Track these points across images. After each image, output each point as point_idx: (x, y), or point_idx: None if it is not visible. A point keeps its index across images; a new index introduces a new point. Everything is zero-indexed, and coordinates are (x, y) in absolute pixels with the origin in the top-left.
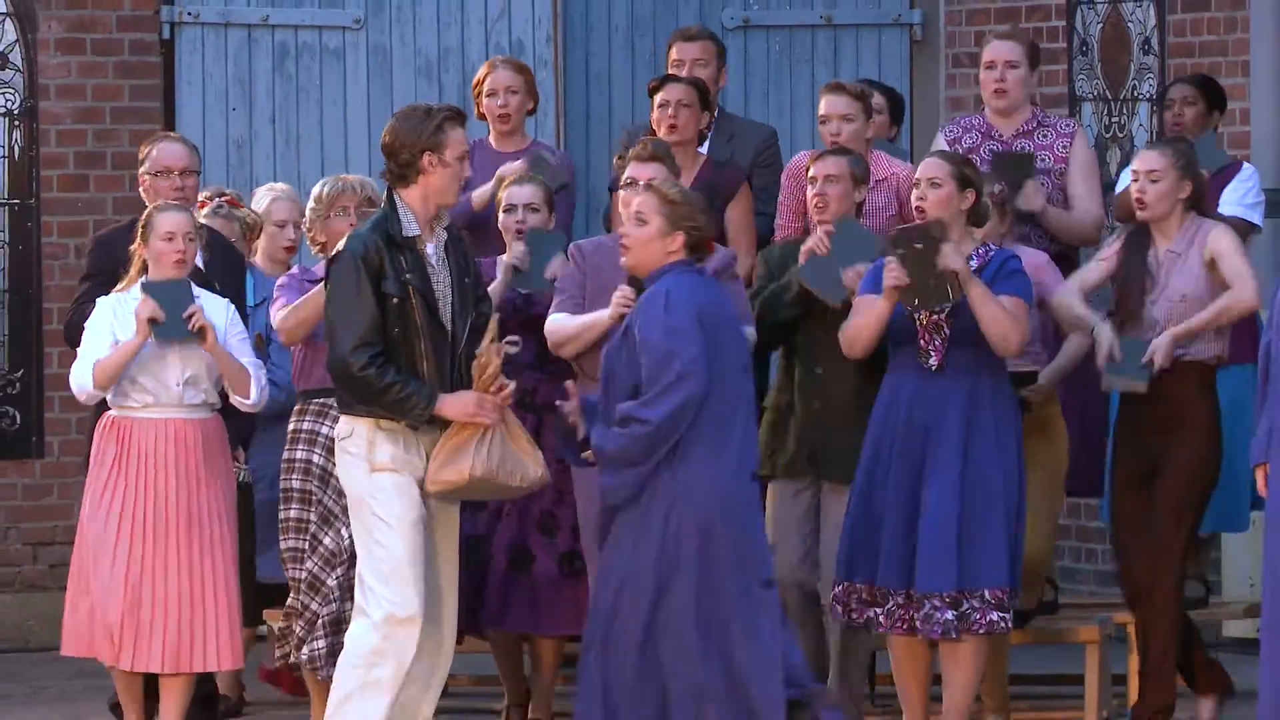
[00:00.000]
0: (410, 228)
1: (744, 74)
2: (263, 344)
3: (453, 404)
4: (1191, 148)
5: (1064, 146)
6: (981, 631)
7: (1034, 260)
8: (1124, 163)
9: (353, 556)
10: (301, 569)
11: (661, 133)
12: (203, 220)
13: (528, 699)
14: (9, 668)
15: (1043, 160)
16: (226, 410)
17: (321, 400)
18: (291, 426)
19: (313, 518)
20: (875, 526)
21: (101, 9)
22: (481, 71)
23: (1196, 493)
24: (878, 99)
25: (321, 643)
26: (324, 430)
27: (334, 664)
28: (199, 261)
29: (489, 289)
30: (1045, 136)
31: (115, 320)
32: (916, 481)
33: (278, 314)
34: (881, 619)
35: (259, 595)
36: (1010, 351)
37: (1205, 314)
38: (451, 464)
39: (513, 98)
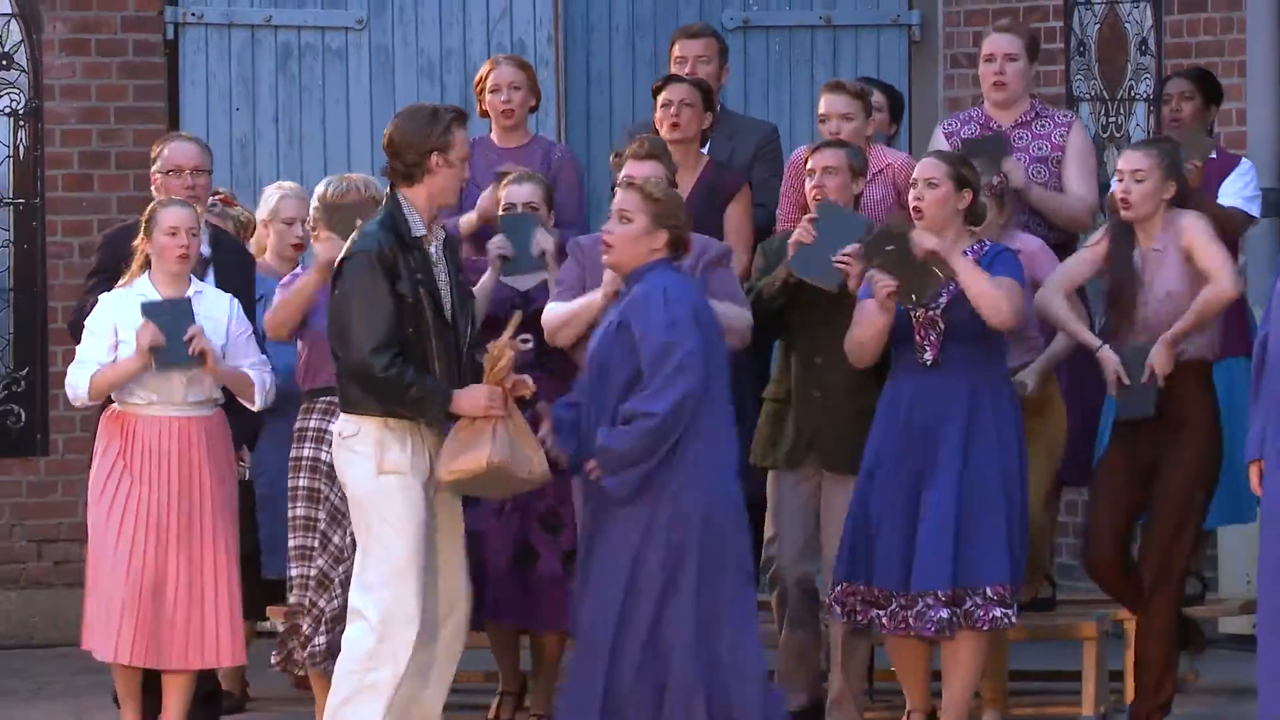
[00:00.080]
0: (417, 227)
1: (744, 74)
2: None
3: (466, 399)
4: (1176, 148)
5: (1061, 135)
6: (985, 628)
7: (1029, 246)
8: None
9: (353, 556)
10: (311, 566)
11: (664, 131)
12: (211, 218)
13: (522, 689)
14: (14, 663)
15: (1040, 149)
16: (231, 407)
17: (328, 399)
18: (298, 424)
19: (321, 515)
20: (876, 527)
21: (106, 10)
22: (484, 69)
23: (1200, 493)
24: (877, 97)
25: (322, 638)
26: (330, 427)
27: (334, 659)
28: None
29: (479, 285)
30: (1043, 126)
31: (117, 317)
32: (917, 482)
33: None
34: (884, 620)
35: (264, 591)
36: (1005, 322)
37: (1190, 314)
38: (467, 453)
39: (516, 94)
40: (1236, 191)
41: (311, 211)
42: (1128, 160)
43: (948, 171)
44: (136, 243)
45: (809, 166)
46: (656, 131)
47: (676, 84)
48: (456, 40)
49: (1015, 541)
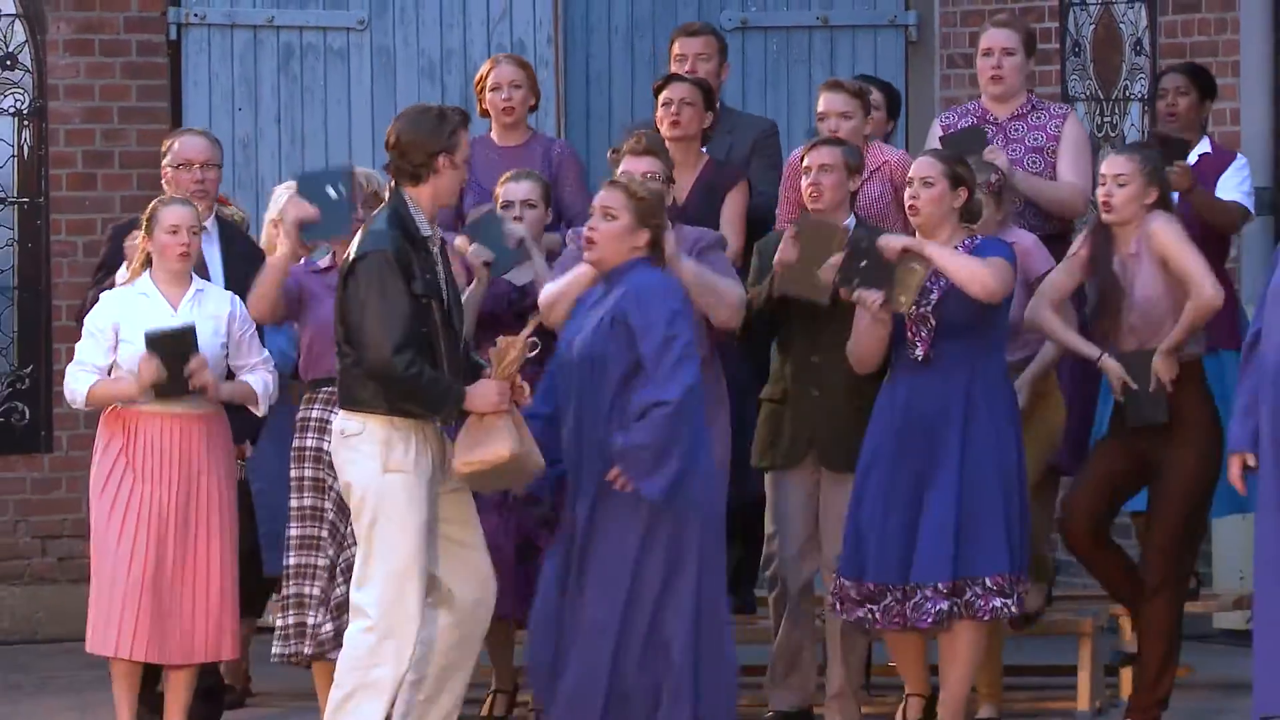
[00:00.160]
0: (424, 227)
1: (742, 74)
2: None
3: (479, 396)
4: (1159, 154)
5: (1056, 126)
6: (986, 618)
7: (1023, 243)
8: None
9: (353, 544)
10: (321, 555)
11: (665, 130)
12: (230, 212)
13: (516, 686)
14: (18, 659)
15: (1035, 139)
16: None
17: (330, 389)
18: (300, 415)
19: (329, 505)
20: (875, 525)
21: (109, 10)
22: (485, 68)
23: (1200, 492)
24: (875, 95)
25: (329, 625)
26: (333, 418)
27: (339, 646)
28: (215, 254)
29: (467, 296)
30: (1039, 118)
31: (118, 316)
32: (915, 478)
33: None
34: (877, 616)
35: (263, 588)
36: (993, 293)
37: (1180, 328)
38: (484, 445)
39: (516, 92)
40: (1235, 186)
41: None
42: (1110, 165)
43: (943, 170)
44: (138, 240)
45: (804, 164)
46: (657, 130)
47: (678, 83)
48: (457, 41)
49: (1015, 532)
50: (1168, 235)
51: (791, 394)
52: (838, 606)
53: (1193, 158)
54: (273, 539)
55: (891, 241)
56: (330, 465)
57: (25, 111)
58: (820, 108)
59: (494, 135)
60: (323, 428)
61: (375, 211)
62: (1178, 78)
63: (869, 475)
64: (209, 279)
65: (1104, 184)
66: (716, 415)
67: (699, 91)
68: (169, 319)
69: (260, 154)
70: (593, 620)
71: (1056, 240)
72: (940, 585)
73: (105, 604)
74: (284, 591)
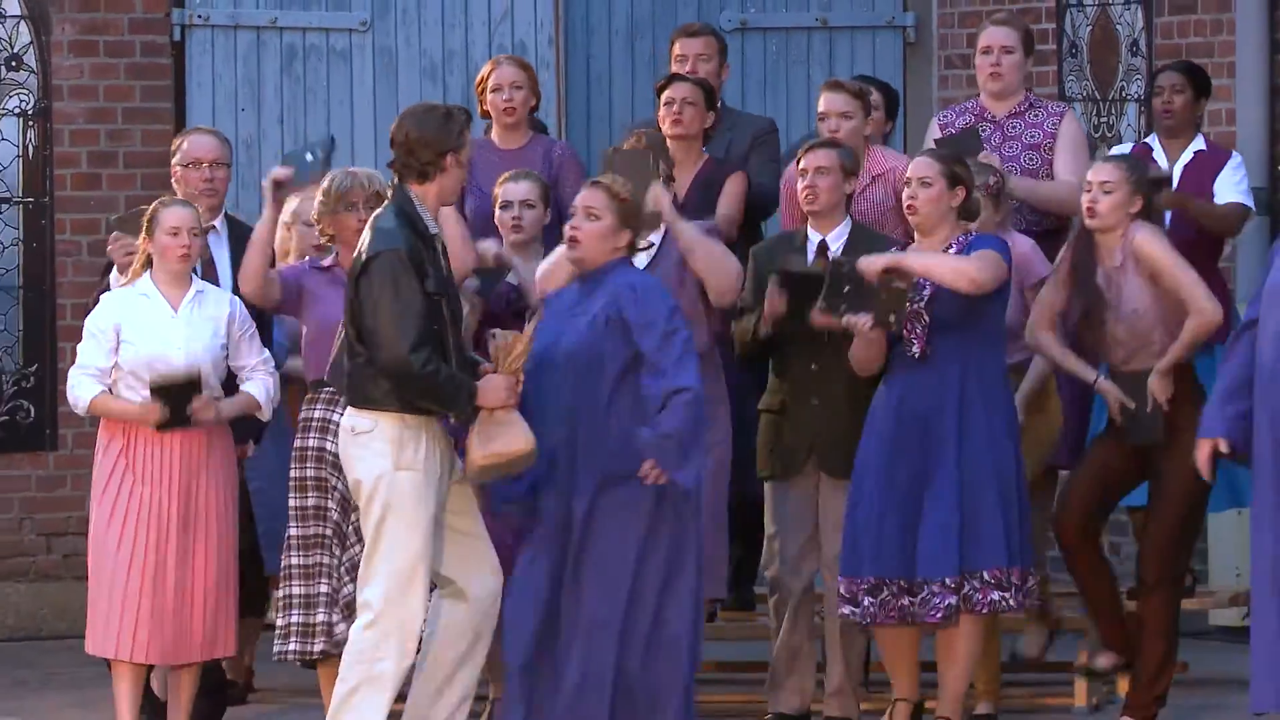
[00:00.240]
0: (432, 225)
1: (741, 75)
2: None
3: (489, 392)
4: (1145, 165)
5: (1054, 124)
6: (984, 611)
7: (1021, 248)
8: None
9: (357, 542)
10: (329, 554)
11: (666, 129)
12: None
13: None
14: (23, 655)
15: (1032, 136)
16: None
17: (331, 389)
18: (302, 414)
19: (333, 505)
20: (873, 520)
21: (114, 12)
22: (485, 69)
23: (1197, 492)
24: (874, 97)
25: (344, 625)
26: (335, 418)
27: None
28: (225, 255)
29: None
30: (1036, 116)
31: (120, 317)
32: (914, 474)
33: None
34: (876, 609)
35: (262, 587)
36: (981, 287)
37: (1178, 346)
38: (501, 438)
39: (517, 93)
40: (1233, 186)
41: (316, 205)
42: (1097, 172)
43: (941, 170)
44: (139, 242)
45: (800, 166)
46: (658, 129)
47: (680, 83)
48: (459, 42)
49: (1013, 525)
50: (1156, 249)
51: (791, 403)
52: (837, 604)
53: (1188, 155)
54: (272, 538)
55: (871, 264)
56: (333, 464)
57: (30, 112)
58: (821, 108)
59: (495, 137)
60: (324, 427)
61: (379, 210)
62: (1174, 76)
63: (867, 471)
64: (218, 279)
65: (1089, 190)
66: (716, 413)
67: (701, 91)
68: (173, 348)
69: (264, 154)
70: (594, 617)
71: (1055, 235)
72: (948, 580)
73: (104, 606)
74: (285, 590)
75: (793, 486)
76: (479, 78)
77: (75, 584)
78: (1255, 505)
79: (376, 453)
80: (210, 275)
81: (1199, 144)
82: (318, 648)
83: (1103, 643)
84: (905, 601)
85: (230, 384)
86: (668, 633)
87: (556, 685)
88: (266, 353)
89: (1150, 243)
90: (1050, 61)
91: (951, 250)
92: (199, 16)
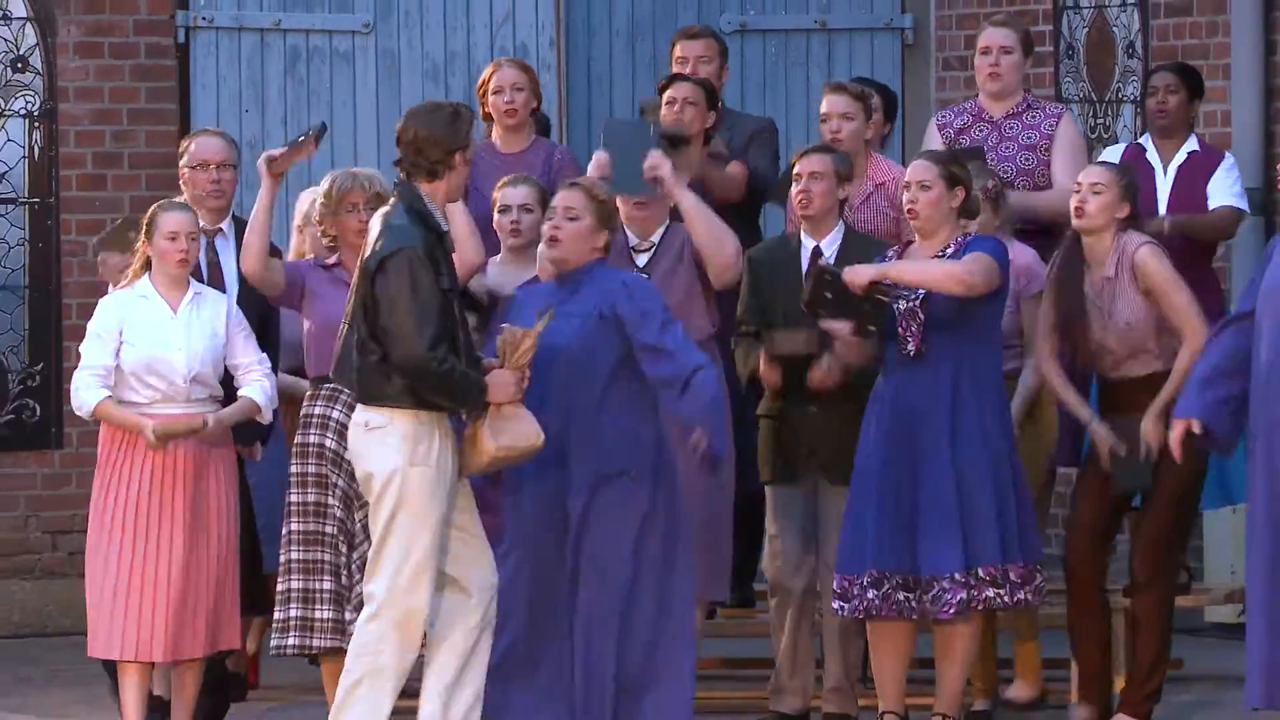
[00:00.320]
0: (442, 223)
1: (740, 77)
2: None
3: (499, 387)
4: (1133, 174)
5: (1051, 126)
6: (979, 608)
7: (1022, 259)
8: None
9: (366, 539)
10: (330, 551)
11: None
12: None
13: None
14: (29, 652)
15: (1029, 138)
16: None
17: (332, 386)
18: (303, 411)
19: (334, 502)
20: (872, 515)
21: (119, 14)
22: (487, 71)
23: (1189, 487)
24: (874, 100)
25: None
26: (335, 415)
27: None
28: (231, 256)
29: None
30: (1034, 118)
31: (122, 316)
32: (909, 469)
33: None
34: (877, 601)
35: (266, 583)
36: (973, 289)
37: (1173, 379)
38: (513, 431)
39: (518, 95)
40: (1227, 188)
41: (318, 206)
42: (1087, 174)
43: (939, 172)
44: (138, 245)
45: (795, 171)
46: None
47: (681, 83)
48: (460, 44)
49: (1009, 521)
50: (1157, 270)
51: (789, 410)
52: (836, 601)
53: (1181, 156)
54: (272, 533)
55: (857, 275)
56: (333, 461)
57: (36, 113)
58: (823, 109)
59: (496, 140)
60: (324, 424)
61: (383, 210)
62: (1168, 76)
63: (865, 468)
64: (224, 281)
65: (1078, 190)
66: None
67: (702, 91)
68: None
69: (256, 163)
70: (594, 615)
71: (1046, 236)
72: (956, 575)
73: (106, 608)
74: (284, 584)
75: (792, 497)
76: (480, 80)
77: (80, 581)
78: (1251, 504)
79: (391, 448)
80: (217, 278)
81: (1192, 144)
82: (318, 642)
83: (1080, 694)
84: (901, 596)
85: (227, 382)
86: (667, 628)
87: (555, 682)
88: (263, 354)
89: (1151, 262)
90: (1047, 63)
91: (949, 251)
92: (203, 18)
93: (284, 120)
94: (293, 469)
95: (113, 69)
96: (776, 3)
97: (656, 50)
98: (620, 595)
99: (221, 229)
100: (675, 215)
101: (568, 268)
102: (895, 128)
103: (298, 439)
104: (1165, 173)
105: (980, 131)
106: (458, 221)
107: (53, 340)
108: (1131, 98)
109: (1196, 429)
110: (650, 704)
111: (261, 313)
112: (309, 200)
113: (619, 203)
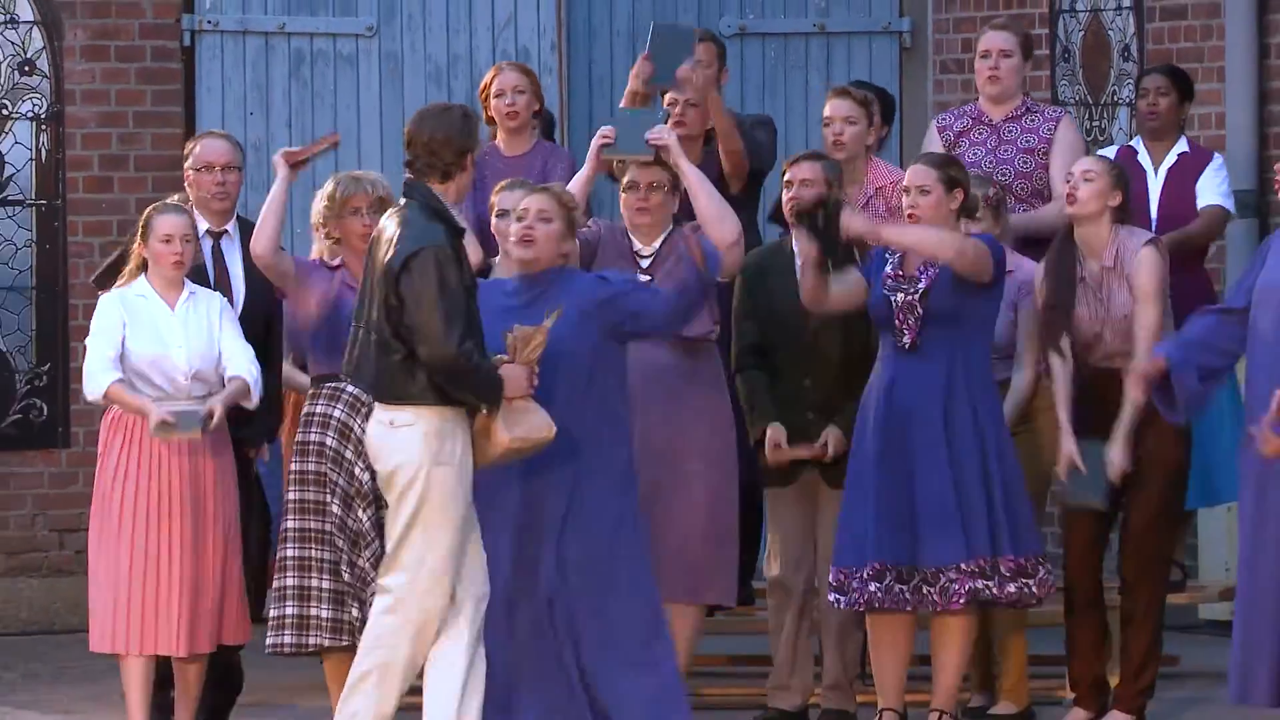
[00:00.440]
0: (459, 220)
1: (740, 80)
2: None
3: (511, 381)
4: (1124, 170)
5: (1049, 129)
6: (965, 601)
7: (1023, 273)
8: None
9: (377, 537)
10: (328, 549)
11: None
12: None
13: None
14: (36, 648)
15: (1028, 141)
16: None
17: (333, 385)
18: (305, 409)
19: (334, 500)
20: (869, 508)
21: (125, 18)
22: (488, 75)
23: (1174, 481)
24: (874, 104)
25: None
26: (335, 414)
27: None
28: (237, 257)
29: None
30: (1033, 121)
31: (122, 313)
32: (904, 462)
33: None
34: (880, 594)
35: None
36: (962, 253)
37: (1127, 416)
38: (524, 424)
39: (520, 97)
40: (1215, 187)
41: (321, 209)
42: (1078, 164)
43: (938, 176)
44: (134, 247)
45: (786, 178)
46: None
47: None
48: (463, 47)
49: (998, 514)
50: (1148, 276)
51: (786, 417)
52: (833, 594)
53: (1172, 158)
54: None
55: (851, 222)
56: (334, 460)
57: (43, 116)
58: (826, 112)
59: (500, 143)
60: (325, 423)
61: (395, 211)
62: (1158, 78)
63: (860, 458)
64: (230, 283)
65: (1070, 180)
66: (719, 412)
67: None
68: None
69: (272, 157)
70: (574, 607)
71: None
72: (963, 565)
73: (108, 603)
74: (279, 582)
75: (791, 499)
76: (482, 84)
77: (87, 579)
78: (1241, 504)
79: (417, 446)
80: (223, 280)
81: (1182, 146)
82: (314, 640)
83: (1075, 694)
84: (899, 588)
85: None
86: (643, 620)
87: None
88: (250, 349)
89: (1147, 263)
90: (1043, 66)
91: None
92: (209, 22)
93: (288, 123)
94: (292, 466)
95: (119, 72)
96: (775, 6)
97: None
98: (600, 588)
99: (226, 230)
100: (677, 221)
101: (537, 269)
102: (893, 131)
103: (298, 437)
104: (1156, 174)
105: (980, 134)
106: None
107: (59, 340)
108: (1127, 100)
109: (1162, 366)
110: (631, 691)
111: (267, 315)
112: (322, 204)
113: (629, 169)
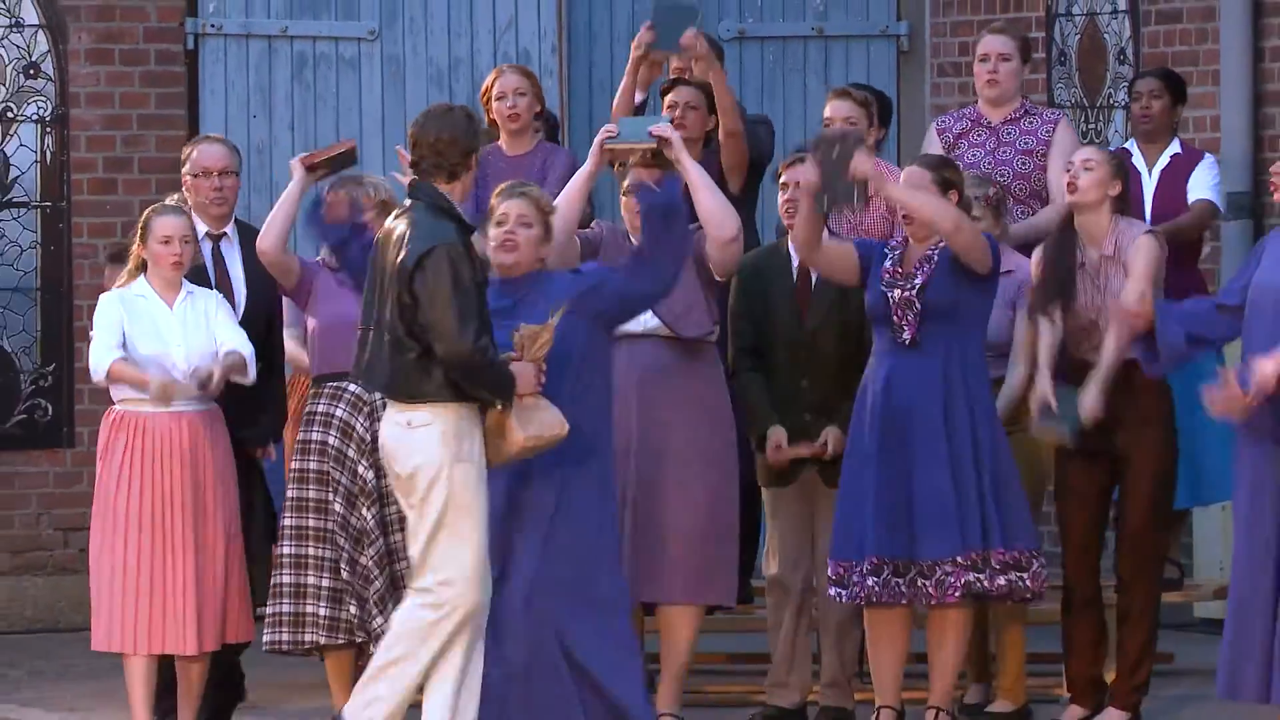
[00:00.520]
0: (467, 218)
1: (739, 83)
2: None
3: (521, 379)
4: (1124, 161)
5: (1048, 131)
6: (958, 595)
7: (1023, 272)
8: None
9: (381, 536)
10: (327, 548)
11: None
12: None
13: None
14: (41, 646)
15: (1026, 143)
16: (262, 406)
17: (335, 384)
18: (307, 408)
19: (335, 499)
20: (867, 503)
21: (129, 21)
22: (490, 78)
23: (1165, 478)
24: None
25: (379, 619)
26: (337, 413)
27: None
28: (237, 260)
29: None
30: (1031, 123)
31: (122, 312)
32: (901, 455)
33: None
34: (877, 588)
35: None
36: (960, 232)
37: (1108, 355)
38: (537, 421)
39: (521, 99)
40: (1204, 183)
41: None
42: (1080, 153)
43: (932, 178)
44: (134, 248)
45: (781, 180)
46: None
47: (683, 87)
48: (464, 50)
49: (989, 507)
50: (1144, 261)
51: (784, 418)
52: (833, 588)
53: (1164, 160)
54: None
55: (861, 164)
56: (336, 459)
57: (48, 118)
58: (826, 113)
59: (503, 144)
60: (327, 422)
61: (403, 211)
62: (1151, 81)
63: (857, 452)
64: (231, 285)
65: (1070, 169)
66: (720, 414)
67: (703, 95)
68: (173, 345)
69: (275, 160)
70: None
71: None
72: (959, 558)
73: (109, 601)
74: (275, 579)
75: (790, 499)
76: (484, 87)
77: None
78: (1235, 503)
79: (437, 445)
80: (224, 281)
81: (1175, 148)
82: (309, 638)
83: (1072, 693)
84: (895, 581)
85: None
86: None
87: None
88: (243, 334)
89: (1145, 250)
90: (1040, 69)
91: (940, 245)
92: (212, 25)
93: (291, 125)
94: (293, 465)
95: (123, 75)
96: (774, 10)
97: None
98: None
99: (225, 233)
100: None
101: (518, 273)
102: (890, 133)
103: (300, 435)
104: (1150, 175)
105: (978, 136)
106: None
107: (64, 341)
108: (1123, 103)
109: (1148, 309)
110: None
111: (268, 316)
112: None
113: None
